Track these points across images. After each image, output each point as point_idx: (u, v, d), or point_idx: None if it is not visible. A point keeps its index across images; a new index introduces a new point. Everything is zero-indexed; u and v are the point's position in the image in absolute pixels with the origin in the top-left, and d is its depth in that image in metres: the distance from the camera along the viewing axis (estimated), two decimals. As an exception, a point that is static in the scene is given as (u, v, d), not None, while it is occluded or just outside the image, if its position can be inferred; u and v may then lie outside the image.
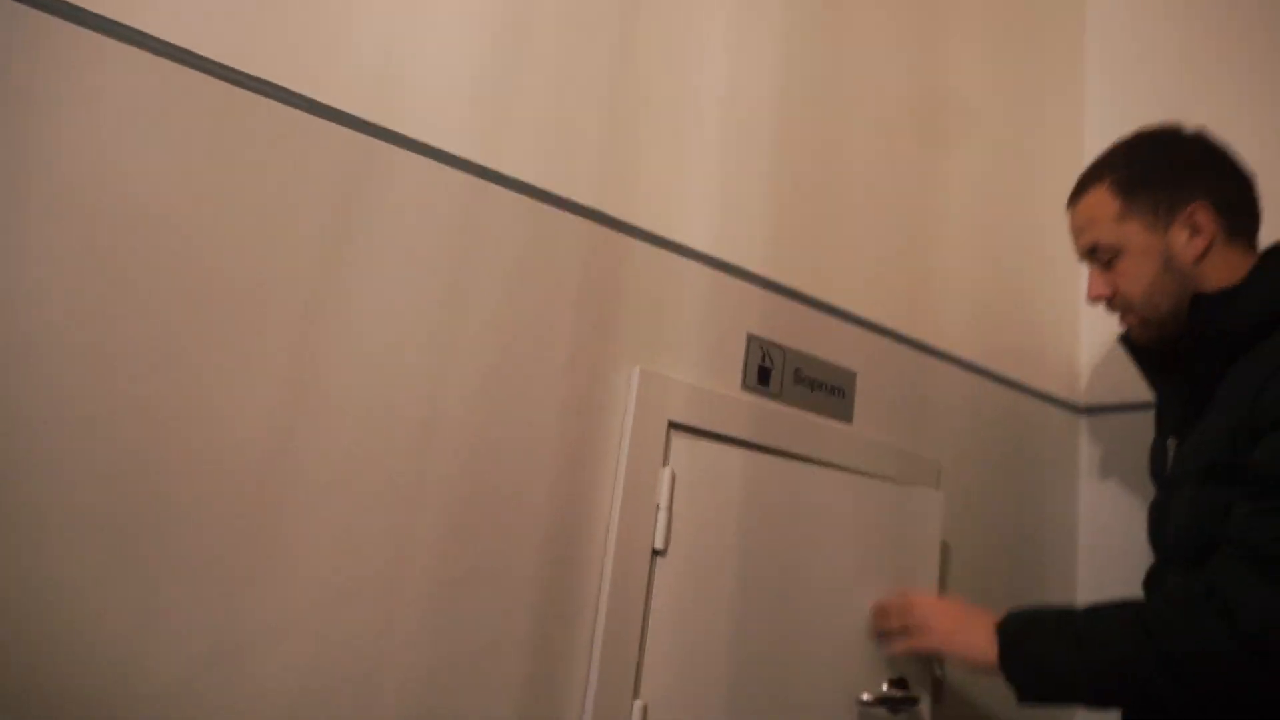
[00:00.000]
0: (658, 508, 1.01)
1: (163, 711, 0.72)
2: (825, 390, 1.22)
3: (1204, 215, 1.08)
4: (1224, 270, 1.07)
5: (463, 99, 0.95)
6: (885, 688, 1.16)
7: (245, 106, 0.81)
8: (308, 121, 0.85)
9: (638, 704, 0.96)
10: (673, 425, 1.05)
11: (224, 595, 0.76)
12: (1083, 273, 1.23)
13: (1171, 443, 1.15)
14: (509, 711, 0.90)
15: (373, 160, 0.88)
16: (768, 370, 1.17)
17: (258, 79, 0.82)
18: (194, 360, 0.76)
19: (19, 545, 0.68)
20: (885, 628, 1.15)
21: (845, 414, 1.24)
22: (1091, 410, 1.58)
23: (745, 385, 1.14)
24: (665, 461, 1.03)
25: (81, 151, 0.73)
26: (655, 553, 1.01)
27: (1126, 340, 1.21)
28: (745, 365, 1.15)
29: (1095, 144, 1.24)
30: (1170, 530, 1.07)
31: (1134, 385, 1.30)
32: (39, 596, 0.68)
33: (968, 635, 1.06)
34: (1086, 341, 1.60)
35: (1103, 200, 1.14)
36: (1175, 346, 1.12)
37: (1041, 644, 1.00)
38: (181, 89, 0.78)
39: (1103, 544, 1.51)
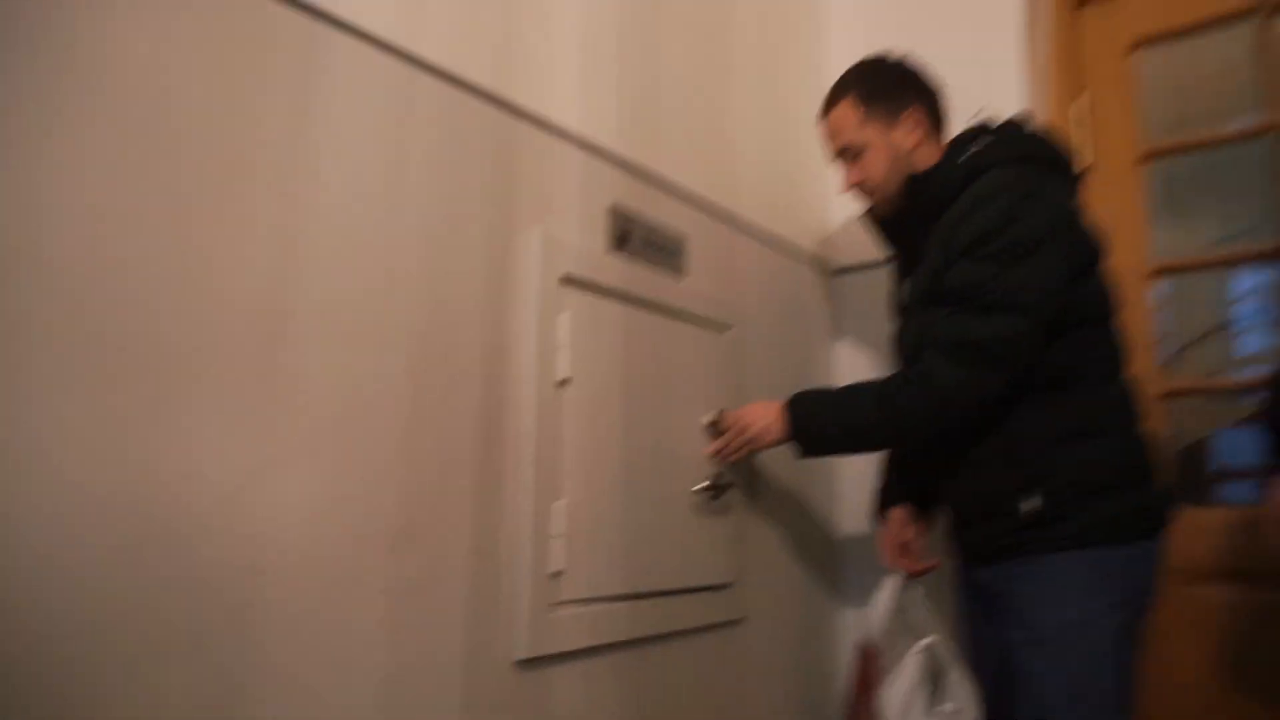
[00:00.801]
0: (560, 346, 1.22)
1: (218, 520, 0.82)
2: (666, 251, 1.48)
3: (917, 117, 1.46)
4: (928, 156, 1.46)
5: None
6: (708, 481, 1.48)
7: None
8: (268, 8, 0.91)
9: (560, 503, 1.19)
10: (565, 279, 1.25)
11: (248, 426, 0.86)
12: (831, 168, 1.59)
13: (903, 285, 1.56)
14: (466, 514, 1.08)
15: (321, 47, 0.96)
16: (627, 235, 1.39)
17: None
18: (196, 228, 0.84)
19: (81, 389, 0.74)
20: (719, 437, 1.48)
21: (679, 270, 1.51)
22: (840, 271, 2.00)
23: (610, 247, 1.36)
24: (562, 308, 1.24)
25: (93, 46, 0.76)
26: (562, 382, 1.22)
27: (869, 215, 1.59)
28: (610, 231, 1.36)
29: (837, 60, 1.60)
30: (904, 344, 1.48)
31: (868, 251, 1.73)
32: (101, 432, 0.75)
33: (769, 425, 1.42)
34: (836, 218, 2.00)
35: (847, 112, 1.49)
36: (901, 214, 1.51)
37: (815, 416, 1.39)
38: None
39: (852, 360, 1.96)
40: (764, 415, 1.43)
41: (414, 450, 1.02)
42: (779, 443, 1.42)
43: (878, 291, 1.71)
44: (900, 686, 1.31)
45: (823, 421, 1.38)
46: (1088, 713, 1.23)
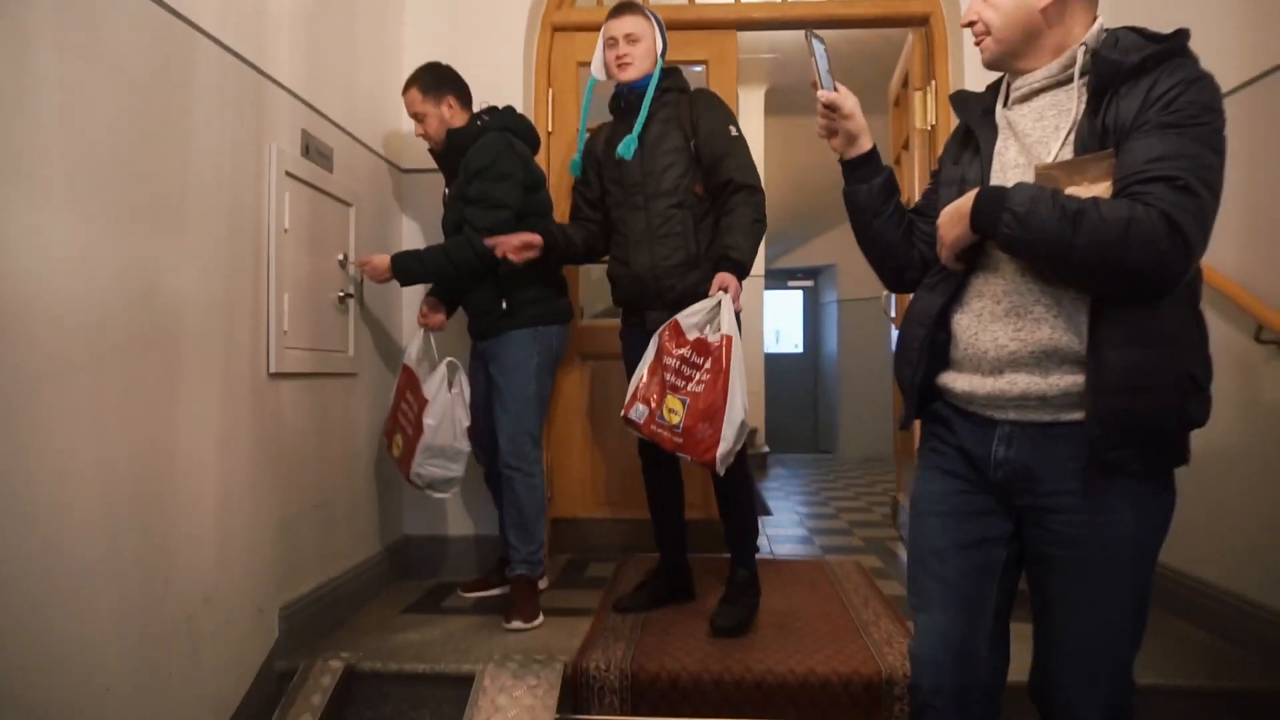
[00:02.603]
0: (284, 211, 2.25)
1: (153, 279, 1.78)
2: (325, 158, 2.53)
3: (453, 99, 2.74)
4: (460, 121, 2.74)
5: None
6: (341, 293, 2.64)
7: None
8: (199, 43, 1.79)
9: (286, 294, 2.25)
10: (286, 174, 2.27)
11: (164, 238, 1.81)
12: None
13: (447, 191, 2.85)
14: (249, 291, 2.10)
15: (183, 48, 1.86)
16: (309, 147, 2.42)
17: None
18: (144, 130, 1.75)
19: (93, 215, 1.67)
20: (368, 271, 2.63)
21: (331, 169, 2.57)
22: (409, 171, 3.19)
23: (301, 155, 2.39)
24: (285, 190, 2.26)
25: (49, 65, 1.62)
26: (285, 230, 2.26)
27: (431, 151, 2.84)
28: (302, 145, 2.38)
29: (410, 58, 2.89)
30: (448, 225, 2.78)
31: (425, 161, 2.96)
32: (99, 228, 1.68)
33: (383, 265, 2.61)
34: (409, 142, 3.16)
35: (415, 93, 2.71)
36: (446, 151, 2.78)
37: (409, 265, 2.62)
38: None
39: (412, 232, 3.19)
40: (381, 261, 2.62)
41: (228, 258, 2.02)
42: (389, 279, 2.63)
43: (432, 187, 2.97)
44: (435, 379, 2.68)
45: (414, 267, 2.62)
46: (523, 404, 2.70)
